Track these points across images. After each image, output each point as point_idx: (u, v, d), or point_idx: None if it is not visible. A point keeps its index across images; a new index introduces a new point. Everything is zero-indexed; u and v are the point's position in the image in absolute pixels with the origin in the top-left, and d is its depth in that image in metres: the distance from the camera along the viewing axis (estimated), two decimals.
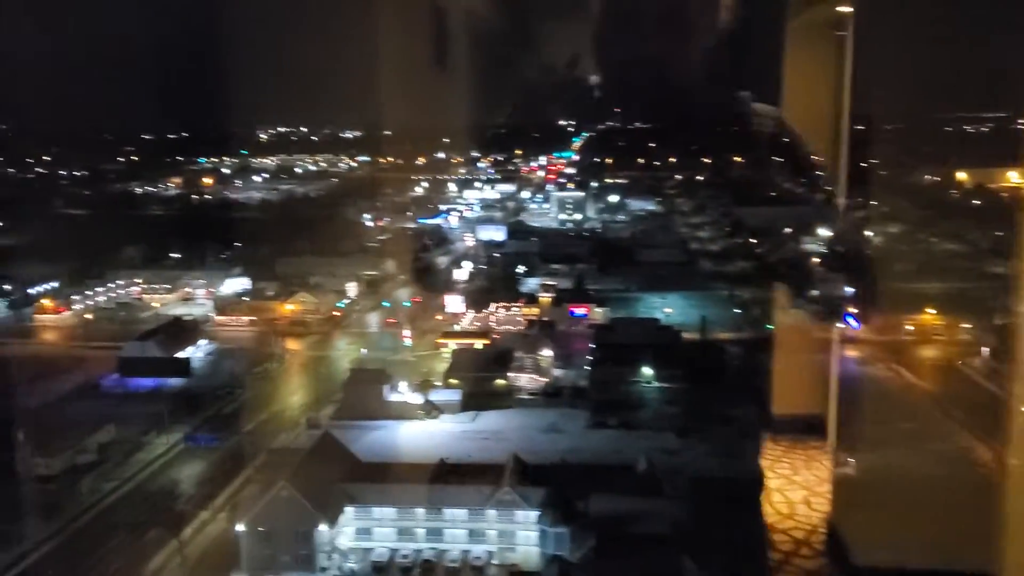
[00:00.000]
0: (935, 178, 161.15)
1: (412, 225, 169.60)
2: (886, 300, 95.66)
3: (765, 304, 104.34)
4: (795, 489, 57.06)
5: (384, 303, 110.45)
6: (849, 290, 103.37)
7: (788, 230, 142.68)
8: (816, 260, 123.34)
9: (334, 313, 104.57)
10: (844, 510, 51.45)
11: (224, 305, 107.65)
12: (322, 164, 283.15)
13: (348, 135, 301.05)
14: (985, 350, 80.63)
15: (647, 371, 77.03)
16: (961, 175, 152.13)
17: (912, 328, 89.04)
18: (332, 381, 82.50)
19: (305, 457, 55.71)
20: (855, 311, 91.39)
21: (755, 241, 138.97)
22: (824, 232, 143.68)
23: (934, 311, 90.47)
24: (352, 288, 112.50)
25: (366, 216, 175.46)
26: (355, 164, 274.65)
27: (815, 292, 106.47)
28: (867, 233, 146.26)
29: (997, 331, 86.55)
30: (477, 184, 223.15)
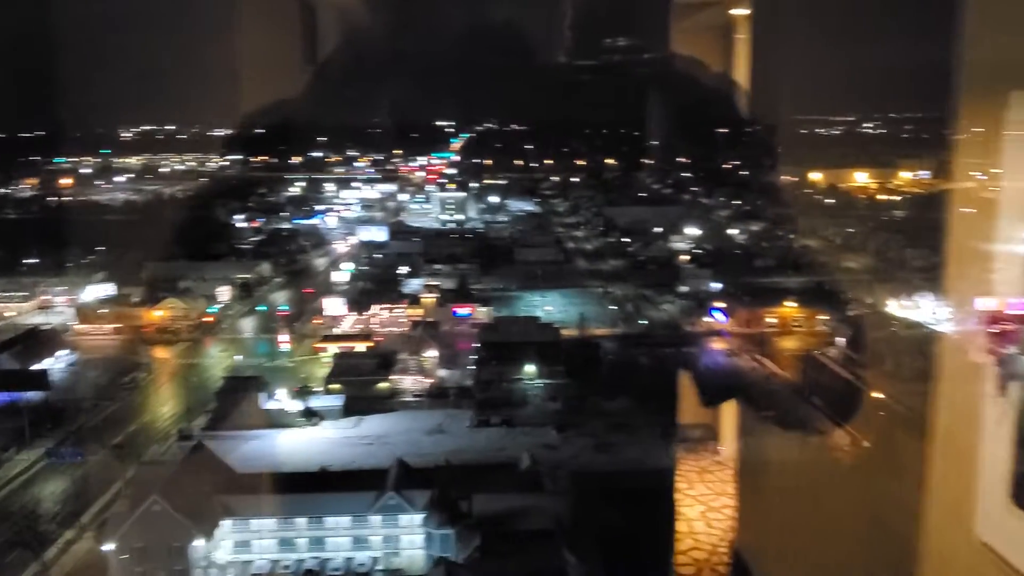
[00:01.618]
0: (792, 178, 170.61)
1: (287, 226, 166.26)
2: (750, 294, 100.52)
3: (638, 300, 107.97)
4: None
5: (259, 307, 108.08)
6: (715, 285, 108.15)
7: (658, 229, 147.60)
8: (684, 258, 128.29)
9: (205, 319, 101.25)
10: (715, 499, 53.78)
11: (86, 313, 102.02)
12: (190, 163, 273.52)
13: (218, 133, 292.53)
14: (840, 340, 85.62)
15: (529, 368, 78.38)
16: (815, 175, 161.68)
17: (774, 320, 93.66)
18: (205, 390, 79.99)
19: (177, 470, 53.88)
20: (721, 305, 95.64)
21: (627, 240, 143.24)
22: (691, 231, 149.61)
23: (794, 304, 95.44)
24: (224, 292, 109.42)
25: (238, 217, 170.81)
26: (226, 163, 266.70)
27: (684, 288, 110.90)
28: (731, 231, 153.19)
29: (851, 322, 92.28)
30: (355, 184, 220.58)
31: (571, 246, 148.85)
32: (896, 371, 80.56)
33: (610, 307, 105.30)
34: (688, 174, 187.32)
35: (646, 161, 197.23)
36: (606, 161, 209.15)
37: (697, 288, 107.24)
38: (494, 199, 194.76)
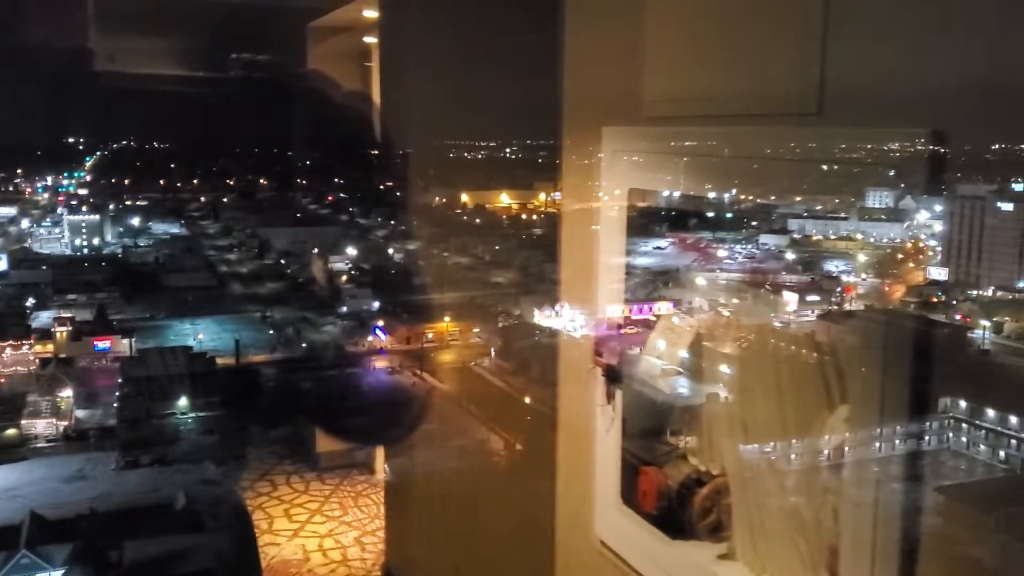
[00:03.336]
0: (443, 199, 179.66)
1: None
2: (409, 311, 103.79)
3: (298, 323, 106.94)
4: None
5: None
6: (376, 304, 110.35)
7: (315, 250, 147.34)
8: (343, 278, 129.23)
9: None
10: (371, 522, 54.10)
11: None
12: None
13: None
14: (492, 350, 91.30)
15: (181, 402, 74.63)
16: (464, 196, 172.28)
17: (432, 336, 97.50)
18: None
19: None
20: (381, 324, 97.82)
21: (284, 262, 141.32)
22: (349, 251, 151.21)
23: (449, 319, 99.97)
24: None
25: None
26: None
27: (344, 308, 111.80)
28: (388, 250, 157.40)
29: (500, 333, 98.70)
30: None
31: (224, 269, 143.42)
32: (541, 376, 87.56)
33: (269, 332, 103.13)
34: (344, 195, 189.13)
35: (300, 181, 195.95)
36: (259, 181, 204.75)
37: (358, 308, 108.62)
38: (135, 221, 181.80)
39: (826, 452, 7.36)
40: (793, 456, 7.67)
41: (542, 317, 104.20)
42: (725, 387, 8.49)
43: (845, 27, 6.52)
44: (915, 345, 7.09)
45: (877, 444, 7.17)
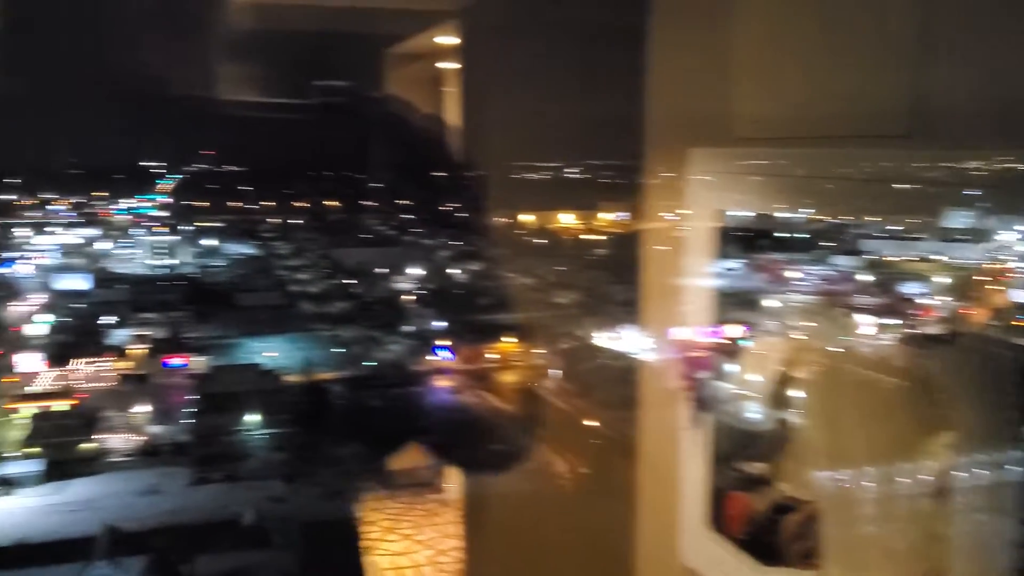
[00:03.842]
0: (507, 220, 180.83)
1: None
2: (472, 331, 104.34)
3: (365, 342, 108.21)
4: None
5: None
6: (439, 324, 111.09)
7: (382, 270, 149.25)
8: (409, 298, 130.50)
9: None
10: (442, 541, 54.51)
11: None
12: None
13: None
14: (555, 372, 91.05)
15: (251, 418, 76.02)
16: (526, 217, 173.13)
17: (495, 356, 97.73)
18: None
19: None
20: (446, 344, 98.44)
21: (352, 282, 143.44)
22: (415, 271, 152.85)
23: (512, 339, 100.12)
24: None
25: None
26: None
27: (409, 328, 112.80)
28: (452, 271, 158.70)
29: (563, 354, 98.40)
30: (52, 228, 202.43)
31: (295, 289, 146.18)
32: (605, 399, 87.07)
33: (336, 350, 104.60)
34: (411, 216, 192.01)
35: (369, 203, 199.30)
36: (328, 203, 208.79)
37: (422, 327, 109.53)
38: (209, 242, 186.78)
39: (923, 480, 7.18)
40: (887, 483, 7.49)
41: (608, 339, 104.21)
42: (807, 412, 8.35)
43: (940, 46, 6.43)
44: (1012, 369, 6.87)
45: (977, 471, 6.96)
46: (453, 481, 63.11)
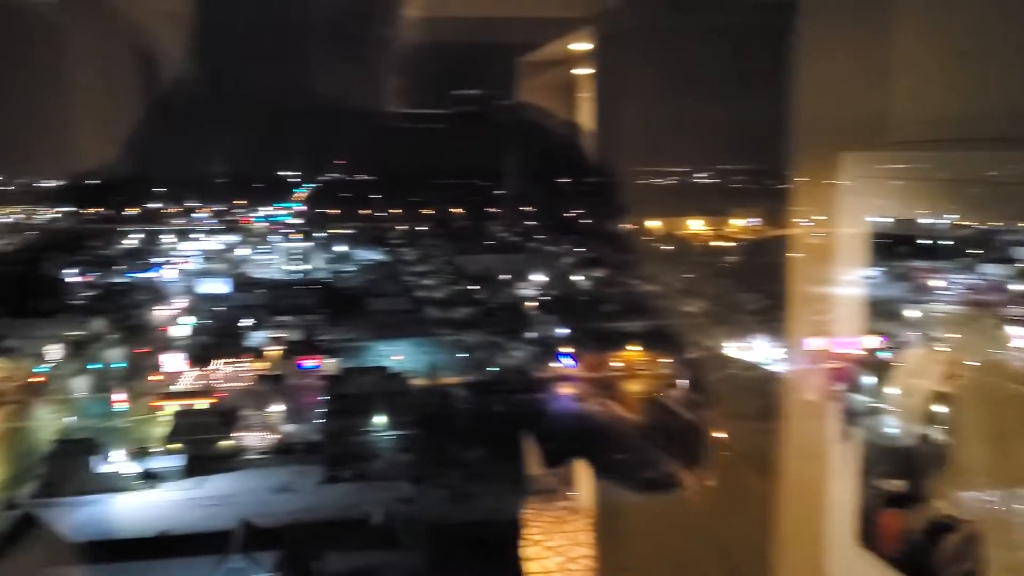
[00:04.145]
0: (632, 226, 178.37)
1: (123, 280, 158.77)
2: (595, 339, 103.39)
3: (488, 347, 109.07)
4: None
5: (91, 365, 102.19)
6: (562, 331, 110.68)
7: (506, 276, 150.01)
8: (531, 304, 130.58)
9: (33, 380, 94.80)
10: (572, 548, 54.35)
11: None
12: (17, 215, 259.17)
13: (47, 184, 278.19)
14: (681, 382, 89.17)
15: (379, 420, 77.60)
16: (653, 223, 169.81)
17: (619, 364, 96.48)
18: (32, 455, 75.05)
19: (2, 541, 50.58)
20: (569, 351, 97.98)
21: (475, 287, 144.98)
22: (537, 277, 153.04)
23: (637, 348, 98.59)
24: (54, 351, 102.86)
25: (69, 271, 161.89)
26: (57, 215, 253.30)
27: (532, 334, 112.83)
28: (575, 277, 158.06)
29: (691, 364, 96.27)
30: (195, 235, 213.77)
31: (421, 294, 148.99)
32: (735, 410, 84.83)
33: (460, 355, 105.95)
34: (534, 222, 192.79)
35: (493, 210, 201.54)
36: (454, 210, 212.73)
37: (545, 334, 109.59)
38: (341, 249, 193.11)
39: None
40: None
41: (738, 349, 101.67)
42: (955, 428, 7.83)
43: None
44: None
45: None
46: (582, 488, 62.98)
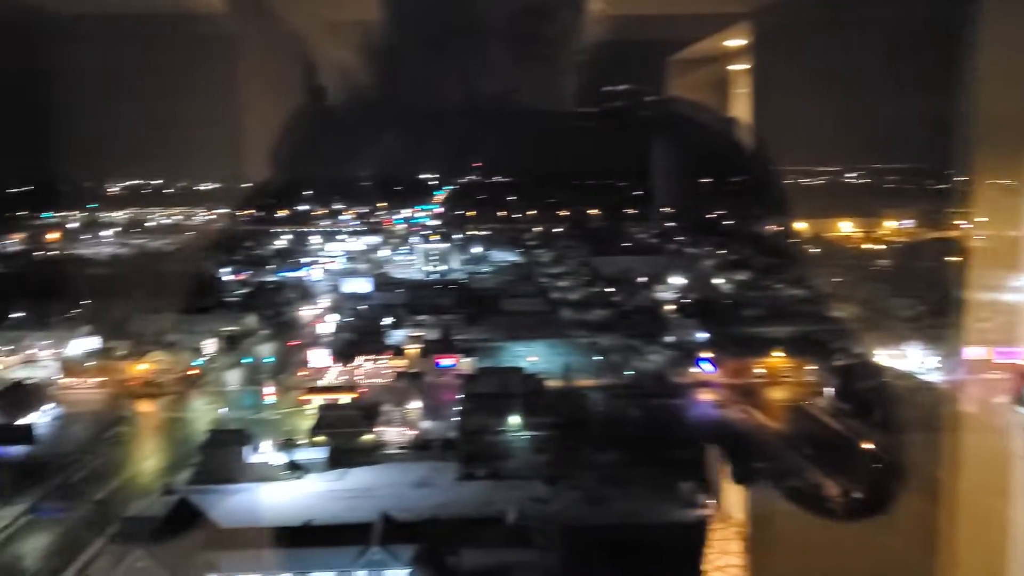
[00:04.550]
0: (777, 228, 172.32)
1: (273, 278, 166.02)
2: (737, 344, 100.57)
3: (624, 351, 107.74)
4: None
5: (243, 359, 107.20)
6: (702, 335, 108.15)
7: (643, 279, 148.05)
8: (670, 307, 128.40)
9: (190, 372, 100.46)
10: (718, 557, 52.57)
11: (71, 366, 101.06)
12: (177, 217, 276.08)
13: (205, 187, 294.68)
14: (828, 390, 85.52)
15: (514, 420, 77.87)
16: (800, 225, 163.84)
17: (762, 371, 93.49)
18: (188, 444, 79.23)
19: (161, 525, 53.34)
20: (709, 356, 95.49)
21: (612, 290, 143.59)
22: (676, 280, 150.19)
23: (781, 354, 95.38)
24: (210, 345, 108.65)
25: (225, 270, 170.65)
26: (213, 216, 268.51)
27: (670, 338, 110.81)
28: (717, 280, 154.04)
29: (839, 371, 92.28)
30: (340, 236, 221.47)
31: (556, 296, 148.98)
32: (886, 421, 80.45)
33: (596, 357, 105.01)
34: (674, 223, 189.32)
35: (631, 211, 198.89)
36: (590, 211, 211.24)
37: (683, 338, 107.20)
38: (477, 250, 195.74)
39: None
40: None
41: (889, 356, 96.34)
42: None
43: None
44: None
45: None
46: (731, 497, 61.00)
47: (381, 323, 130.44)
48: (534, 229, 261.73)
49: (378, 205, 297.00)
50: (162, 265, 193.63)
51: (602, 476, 67.47)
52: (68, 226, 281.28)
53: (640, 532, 55.89)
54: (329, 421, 78.89)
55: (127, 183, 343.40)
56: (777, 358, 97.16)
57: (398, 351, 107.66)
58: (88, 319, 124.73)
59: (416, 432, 78.72)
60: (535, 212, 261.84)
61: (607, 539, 54.17)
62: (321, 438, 75.70)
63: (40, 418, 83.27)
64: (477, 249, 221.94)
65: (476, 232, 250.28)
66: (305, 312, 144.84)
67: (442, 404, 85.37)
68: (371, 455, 75.18)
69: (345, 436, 76.49)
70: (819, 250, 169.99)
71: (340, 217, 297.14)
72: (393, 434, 78.15)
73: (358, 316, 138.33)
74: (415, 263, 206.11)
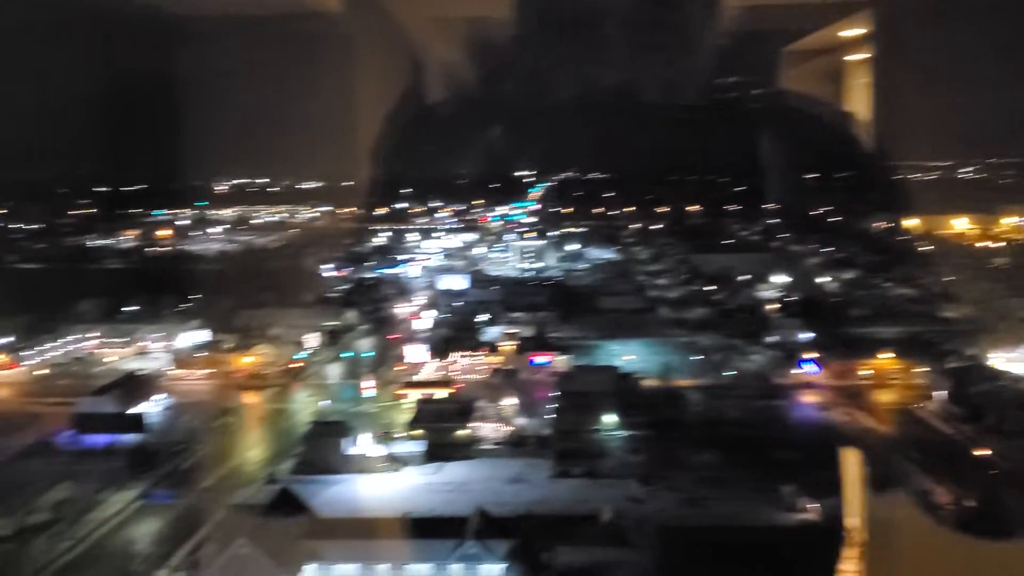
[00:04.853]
0: (886, 224, 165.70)
1: (372, 275, 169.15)
2: (842, 345, 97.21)
3: (724, 350, 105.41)
4: None
5: (344, 353, 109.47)
6: (806, 336, 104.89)
7: (744, 277, 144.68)
8: (772, 306, 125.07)
9: (293, 365, 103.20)
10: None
11: (181, 358, 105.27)
12: (282, 214, 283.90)
13: (308, 186, 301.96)
14: (939, 393, 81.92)
15: (609, 419, 77.14)
16: (911, 221, 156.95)
17: (868, 372, 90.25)
18: (291, 435, 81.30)
19: (264, 514, 54.81)
20: (813, 356, 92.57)
21: (712, 288, 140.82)
22: (779, 279, 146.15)
23: (889, 355, 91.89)
24: (312, 339, 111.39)
25: (326, 266, 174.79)
26: (316, 214, 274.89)
27: (773, 338, 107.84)
28: (822, 279, 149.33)
29: (951, 374, 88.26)
30: (437, 234, 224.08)
31: (654, 294, 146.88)
32: (1001, 427, 76.49)
33: (694, 357, 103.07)
34: (777, 220, 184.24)
35: (732, 207, 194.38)
36: (690, 208, 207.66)
37: (786, 338, 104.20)
38: (573, 247, 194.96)
39: None
40: None
41: (1005, 359, 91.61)
42: None
43: None
44: None
45: None
46: (848, 504, 58.98)
47: (476, 320, 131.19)
48: (631, 226, 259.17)
49: (474, 202, 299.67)
50: (267, 261, 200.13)
51: (700, 477, 66.21)
52: (178, 223, 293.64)
53: (740, 535, 54.58)
54: (426, 415, 79.79)
55: (234, 181, 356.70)
56: (885, 359, 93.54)
57: (493, 348, 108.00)
58: (197, 313, 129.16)
59: (511, 428, 78.84)
60: (633, 209, 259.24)
61: (705, 541, 53.01)
62: (418, 432, 76.61)
63: (151, 408, 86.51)
64: (573, 246, 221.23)
65: (572, 229, 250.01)
66: (403, 308, 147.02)
67: (537, 401, 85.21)
68: (467, 450, 75.68)
69: (441, 431, 77.20)
70: (931, 248, 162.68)
71: (437, 214, 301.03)
72: (488, 430, 78.45)
73: (454, 312, 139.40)
74: (510, 260, 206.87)
